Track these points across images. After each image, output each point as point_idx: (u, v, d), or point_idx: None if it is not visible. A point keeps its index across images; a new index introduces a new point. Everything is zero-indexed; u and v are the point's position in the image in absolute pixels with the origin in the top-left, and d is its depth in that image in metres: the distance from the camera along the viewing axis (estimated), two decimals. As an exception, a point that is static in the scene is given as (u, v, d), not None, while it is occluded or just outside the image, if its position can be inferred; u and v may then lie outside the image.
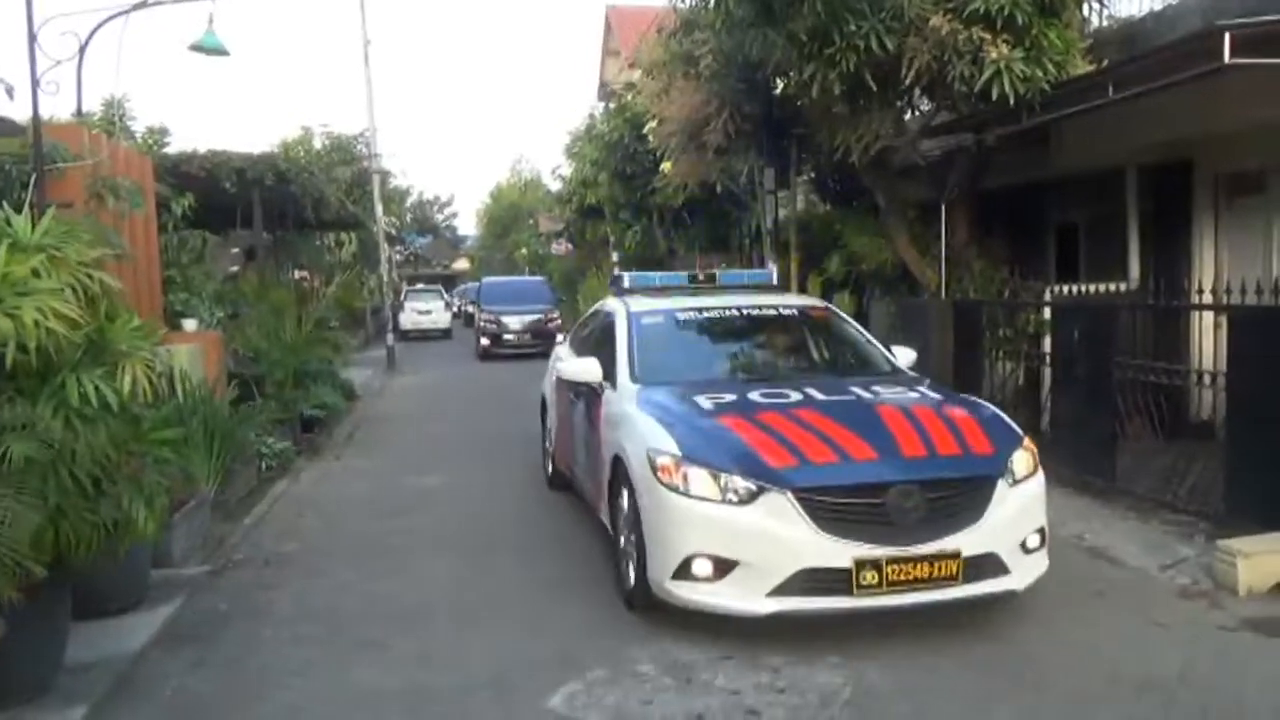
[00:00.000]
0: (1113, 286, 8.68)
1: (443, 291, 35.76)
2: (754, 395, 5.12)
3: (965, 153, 9.09)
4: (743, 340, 6.41)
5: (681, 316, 6.28)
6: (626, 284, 6.98)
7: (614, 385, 5.72)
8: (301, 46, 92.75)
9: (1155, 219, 9.19)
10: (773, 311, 6.53)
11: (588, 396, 6.16)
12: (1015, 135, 8.25)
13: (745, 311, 6.42)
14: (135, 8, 6.69)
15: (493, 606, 5.22)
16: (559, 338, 20.55)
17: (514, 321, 21.49)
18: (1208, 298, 6.54)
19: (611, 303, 6.85)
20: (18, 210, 4.32)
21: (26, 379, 3.96)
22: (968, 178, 9.38)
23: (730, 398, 5.11)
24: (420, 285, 38.51)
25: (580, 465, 6.47)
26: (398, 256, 40.42)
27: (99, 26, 6.51)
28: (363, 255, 28.36)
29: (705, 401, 5.06)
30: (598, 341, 6.65)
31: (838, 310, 6.88)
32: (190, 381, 7.19)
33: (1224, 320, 6.33)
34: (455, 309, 35.57)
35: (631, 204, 18.20)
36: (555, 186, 27.19)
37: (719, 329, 6.35)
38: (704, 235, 17.69)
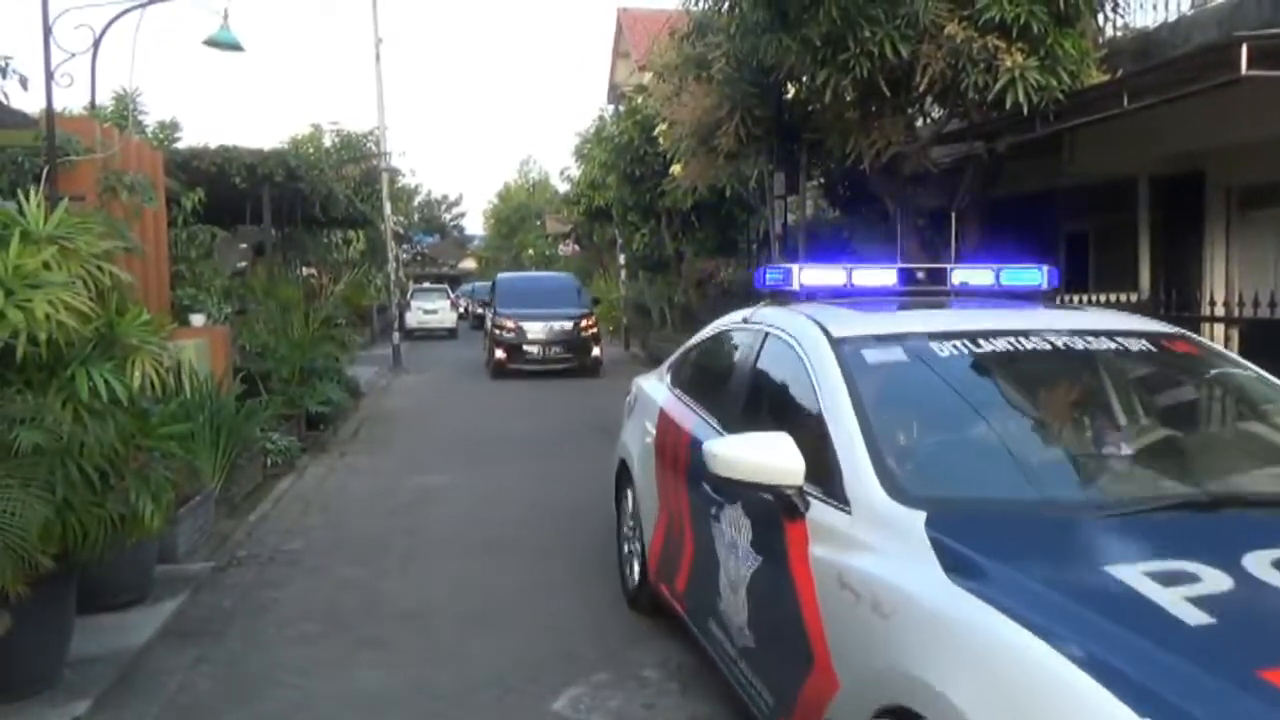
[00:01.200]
0: (1122, 297, 8.65)
1: (449, 291, 35.81)
2: (1257, 566, 2.22)
3: (976, 160, 9.06)
4: (1074, 404, 3.37)
5: (942, 351, 3.25)
6: (798, 284, 4.02)
7: (841, 499, 2.78)
8: (313, 44, 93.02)
9: (1166, 230, 9.17)
10: (1108, 345, 3.40)
11: (761, 510, 3.16)
12: (1027, 144, 8.23)
13: (1060, 344, 3.31)
14: (151, 1, 6.70)
15: (496, 607, 5.21)
16: (595, 350, 17.41)
17: (538, 329, 17.08)
18: (1219, 310, 6.52)
19: (776, 317, 3.90)
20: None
21: (36, 371, 3.96)
22: (978, 186, 9.35)
23: (1225, 585, 2.14)
24: (427, 284, 38.59)
25: (730, 627, 3.49)
26: (405, 255, 40.49)
27: (114, 20, 6.53)
28: (370, 253, 28.42)
29: (1174, 598, 2.08)
30: (751, 390, 3.89)
31: (1200, 339, 3.96)
32: (197, 377, 7.20)
33: (1234, 333, 6.30)
34: (462, 309, 35.58)
35: (640, 206, 18.20)
36: (563, 188, 27.20)
37: (1022, 379, 3.36)
38: (712, 239, 17.68)
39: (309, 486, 8.32)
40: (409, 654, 4.54)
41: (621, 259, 24.08)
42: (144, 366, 4.29)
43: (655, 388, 5.17)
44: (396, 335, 20.96)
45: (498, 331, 17.35)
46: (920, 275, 4.26)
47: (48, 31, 5.71)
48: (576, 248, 32.92)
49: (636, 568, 4.99)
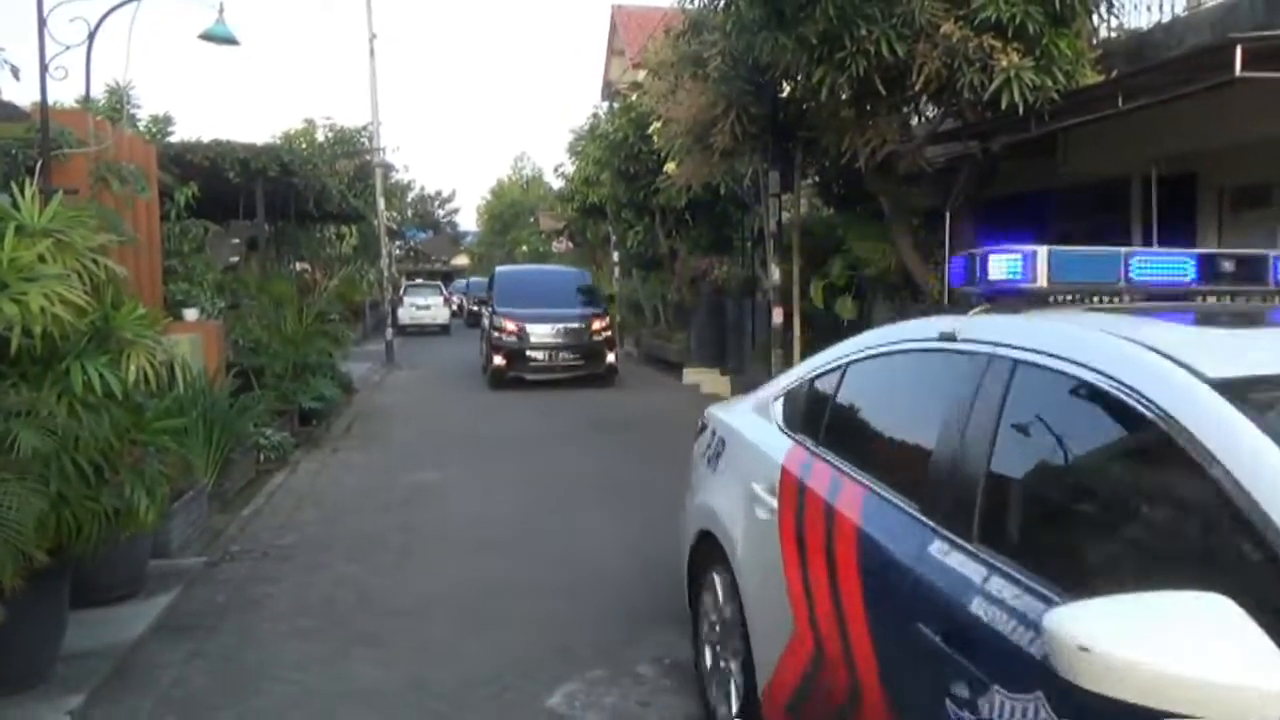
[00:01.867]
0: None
1: (442, 287, 35.83)
2: None
3: (971, 160, 9.08)
4: None
5: None
6: (1044, 279, 2.71)
7: None
8: (308, 39, 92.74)
9: (1159, 231, 9.20)
10: None
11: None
12: (1021, 144, 8.24)
13: None
14: (145, -6, 6.67)
15: (491, 604, 5.20)
16: (610, 356, 14.91)
17: (544, 331, 15.03)
18: (1212, 310, 6.54)
19: (1034, 336, 2.34)
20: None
21: (30, 365, 3.95)
22: (973, 185, 9.37)
23: None
24: (419, 280, 38.59)
25: None
26: (398, 251, 40.41)
27: (109, 13, 6.50)
28: (363, 249, 28.36)
29: None
30: (997, 471, 2.23)
31: None
32: (191, 371, 7.18)
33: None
34: (455, 306, 35.61)
35: (634, 204, 18.17)
36: (557, 184, 27.15)
37: None
38: (706, 237, 17.68)
39: (302, 482, 8.31)
40: (404, 650, 4.54)
41: (615, 256, 24.06)
42: (139, 361, 4.27)
43: (761, 431, 3.59)
44: (389, 331, 20.93)
45: (497, 334, 15.10)
46: (1228, 266, 2.85)
47: (42, 24, 5.68)
48: (570, 244, 32.88)
49: (736, 696, 3.38)
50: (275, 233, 16.21)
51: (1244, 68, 5.46)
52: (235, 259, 14.81)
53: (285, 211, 15.45)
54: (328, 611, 5.08)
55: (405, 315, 29.48)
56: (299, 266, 19.14)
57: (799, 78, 8.79)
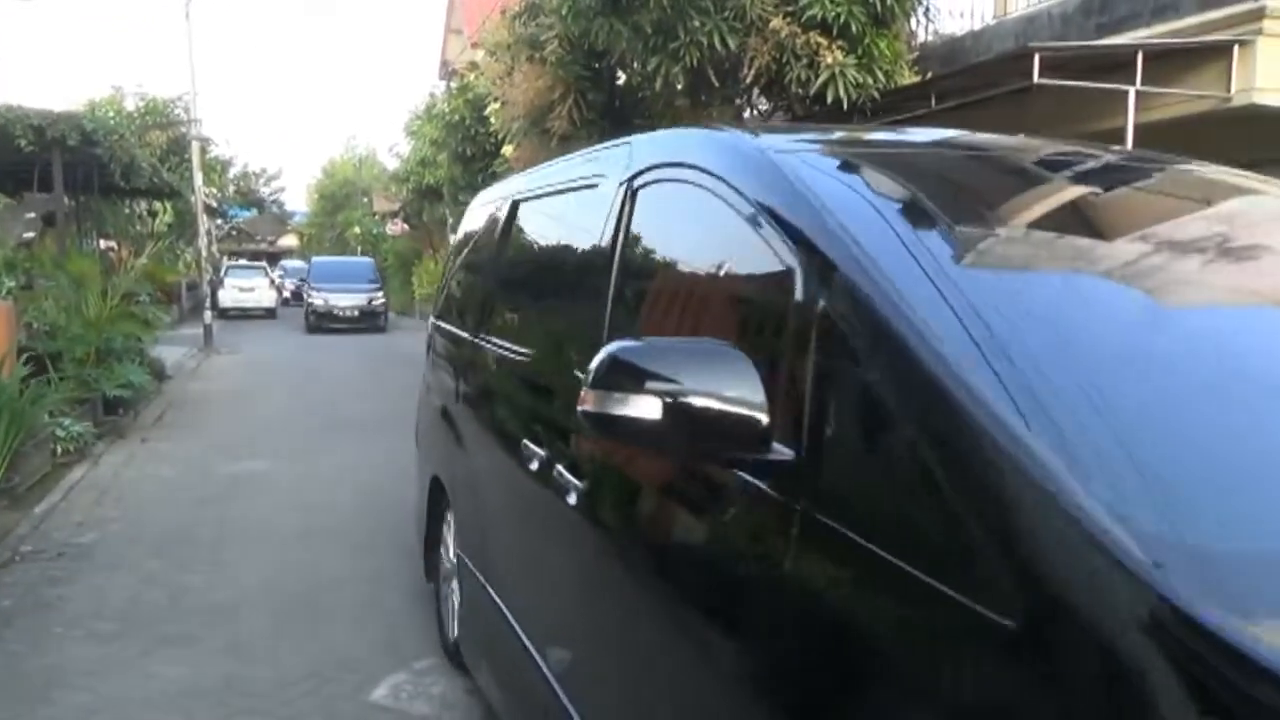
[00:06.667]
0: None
1: (267, 268, 34.18)
2: None
3: (800, 153, 9.40)
4: None
5: None
6: None
7: None
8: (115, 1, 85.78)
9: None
10: None
11: None
12: (846, 139, 8.61)
13: None
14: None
15: (314, 597, 4.99)
16: None
17: None
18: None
19: None
20: None
21: None
22: (801, 177, 9.70)
23: None
24: (243, 261, 36.63)
25: None
26: (218, 230, 38.20)
27: None
28: (179, 227, 26.65)
29: None
30: None
31: None
32: (-27, 356, 6.55)
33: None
34: (289, 292, 34.03)
35: (472, 186, 17.82)
36: (392, 165, 26.38)
37: None
38: (544, 222, 17.56)
39: (104, 475, 7.72)
40: (217, 650, 4.29)
41: (452, 239, 23.60)
42: (-96, 343, 3.85)
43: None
44: (208, 314, 19.79)
45: None
46: None
47: None
48: (405, 226, 32.03)
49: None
50: (77, 207, 14.99)
51: (1041, 74, 5.88)
52: (30, 235, 13.63)
53: (88, 185, 14.33)
54: (131, 612, 4.74)
55: (227, 298, 28.05)
56: (104, 244, 17.80)
57: (635, 65, 8.85)
